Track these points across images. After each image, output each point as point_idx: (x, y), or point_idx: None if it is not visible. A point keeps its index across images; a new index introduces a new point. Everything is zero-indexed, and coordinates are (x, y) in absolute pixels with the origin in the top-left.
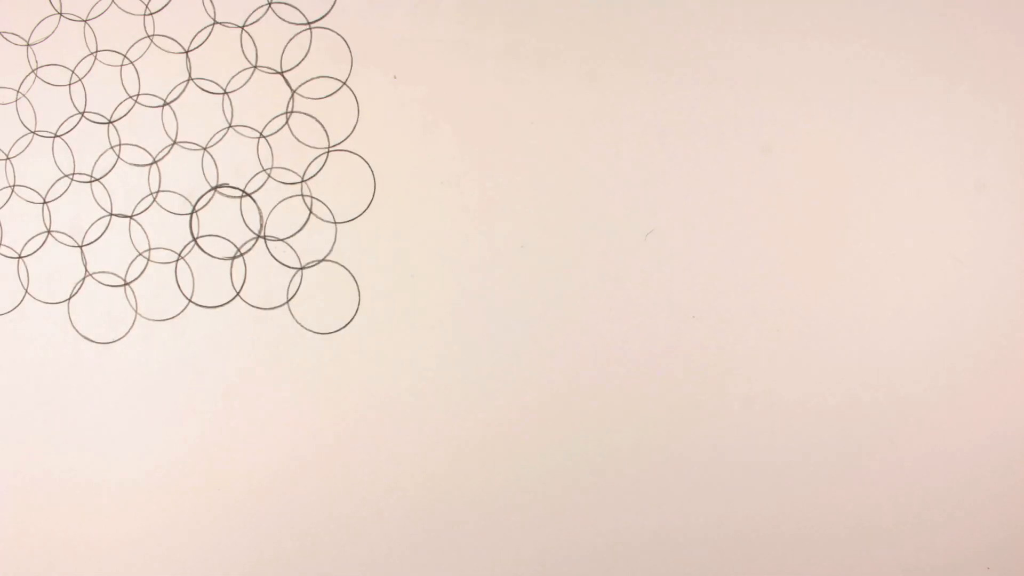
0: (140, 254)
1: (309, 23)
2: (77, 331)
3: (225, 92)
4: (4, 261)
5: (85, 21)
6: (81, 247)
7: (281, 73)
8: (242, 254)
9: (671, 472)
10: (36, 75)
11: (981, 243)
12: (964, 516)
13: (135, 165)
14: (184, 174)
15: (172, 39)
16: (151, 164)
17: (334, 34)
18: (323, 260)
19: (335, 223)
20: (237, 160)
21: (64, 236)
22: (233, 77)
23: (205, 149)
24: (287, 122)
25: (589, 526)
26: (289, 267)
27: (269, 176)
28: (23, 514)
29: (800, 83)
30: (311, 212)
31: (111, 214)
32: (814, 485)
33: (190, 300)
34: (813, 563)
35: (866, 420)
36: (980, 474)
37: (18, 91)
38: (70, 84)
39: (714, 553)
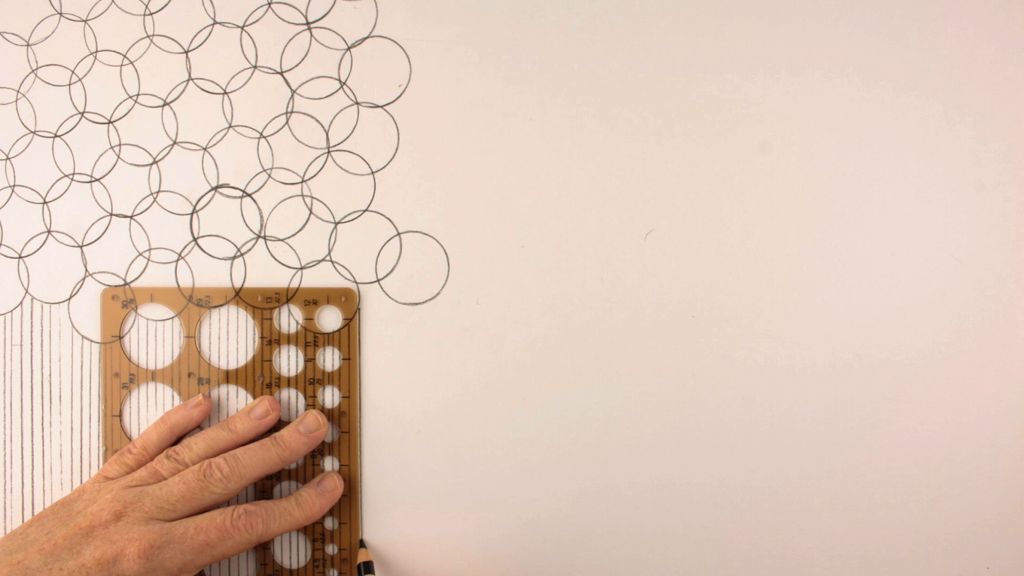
0: (140, 254)
1: (309, 23)
2: (77, 331)
3: (225, 92)
4: (4, 261)
5: (85, 21)
6: (81, 247)
7: (281, 73)
8: (242, 254)
9: (668, 473)
10: (36, 75)
11: (981, 243)
12: (964, 515)
13: (135, 165)
14: (184, 174)
15: (172, 39)
16: (151, 164)
17: (334, 34)
18: (323, 260)
19: (335, 223)
20: (237, 160)
21: (64, 236)
22: (233, 77)
23: (205, 149)
24: (287, 122)
25: (581, 527)
26: (289, 267)
27: (269, 176)
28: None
29: (799, 82)
30: (311, 212)
31: (111, 214)
32: (810, 490)
33: (189, 300)
34: (808, 567)
35: (865, 422)
36: (980, 476)
37: (18, 91)
38: (70, 84)
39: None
